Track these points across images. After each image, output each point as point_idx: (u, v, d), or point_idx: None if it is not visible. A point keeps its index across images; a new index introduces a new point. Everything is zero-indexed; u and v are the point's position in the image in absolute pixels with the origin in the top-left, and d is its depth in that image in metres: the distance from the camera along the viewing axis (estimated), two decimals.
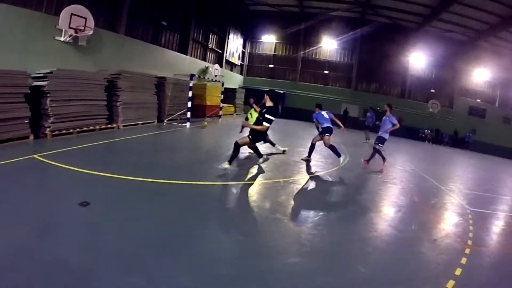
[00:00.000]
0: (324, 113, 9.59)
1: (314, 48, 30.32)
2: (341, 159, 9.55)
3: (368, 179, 9.01)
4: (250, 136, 7.30)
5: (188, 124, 14.51)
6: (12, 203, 4.30)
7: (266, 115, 7.05)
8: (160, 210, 4.80)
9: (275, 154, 10.03)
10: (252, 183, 6.85)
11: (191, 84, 14.94)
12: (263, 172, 7.87)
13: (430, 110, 27.83)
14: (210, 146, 11.37)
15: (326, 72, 30.35)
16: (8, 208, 4.11)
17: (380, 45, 28.67)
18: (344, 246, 4.30)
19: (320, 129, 9.50)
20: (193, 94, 15.38)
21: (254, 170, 7.96)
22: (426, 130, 27.77)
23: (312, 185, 7.52)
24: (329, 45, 29.90)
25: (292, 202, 5.97)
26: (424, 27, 26.63)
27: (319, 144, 9.77)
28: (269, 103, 7.30)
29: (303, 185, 7.26)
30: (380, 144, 10.02)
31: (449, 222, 6.15)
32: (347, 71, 30.14)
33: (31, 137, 8.48)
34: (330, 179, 8.30)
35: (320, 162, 10.04)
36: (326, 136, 9.34)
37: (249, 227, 4.63)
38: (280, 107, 23.19)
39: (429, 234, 5.17)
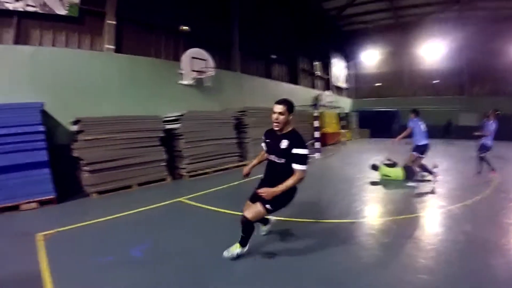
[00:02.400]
0: (421, 123, 7.64)
1: (418, 58, 26.97)
2: (414, 184, 7.52)
3: None
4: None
5: (317, 155, 13.35)
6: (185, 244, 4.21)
7: None
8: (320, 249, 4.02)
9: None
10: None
11: (315, 114, 14.10)
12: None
13: None
14: (351, 175, 9.70)
15: (435, 81, 26.39)
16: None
17: (488, 41, 23.70)
18: None
19: (414, 145, 7.67)
20: (313, 123, 14.49)
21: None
22: None
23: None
24: (432, 52, 26.17)
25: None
26: None
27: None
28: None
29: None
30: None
31: None
32: (458, 76, 25.39)
33: (169, 179, 8.77)
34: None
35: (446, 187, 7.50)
36: (416, 155, 7.55)
37: None
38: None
39: None
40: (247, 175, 3.93)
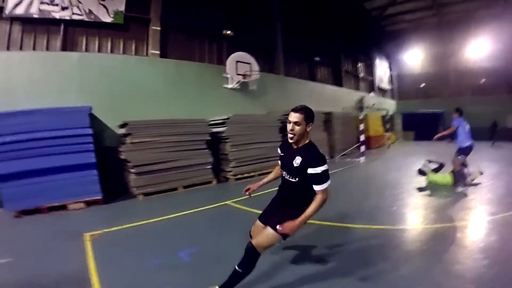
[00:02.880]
0: (465, 123, 6.99)
1: (463, 56, 25.14)
2: (464, 189, 6.90)
3: None
4: None
5: (362, 159, 12.75)
6: None
7: None
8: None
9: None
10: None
11: (361, 117, 13.55)
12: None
13: None
14: (396, 180, 8.94)
15: (482, 80, 24.44)
16: None
17: None
18: None
19: (458, 147, 7.11)
20: (358, 126, 14.01)
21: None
22: None
23: None
24: (478, 51, 24.21)
25: None
26: None
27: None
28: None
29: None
30: None
31: None
32: (505, 75, 23.26)
33: (214, 181, 8.82)
34: None
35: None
36: (462, 159, 7.03)
37: None
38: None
39: None
40: (248, 190, 3.24)
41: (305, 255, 3.82)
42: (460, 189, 6.93)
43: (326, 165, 2.64)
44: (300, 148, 2.74)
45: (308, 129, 2.71)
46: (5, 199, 6.36)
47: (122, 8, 9.65)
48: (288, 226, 2.54)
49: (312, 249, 3.98)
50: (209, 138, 8.79)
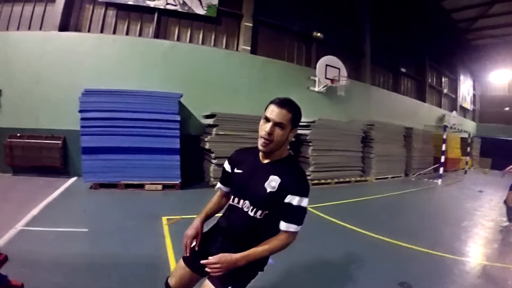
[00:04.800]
0: None
1: None
2: None
3: None
4: None
5: (440, 181, 11.76)
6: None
7: None
8: None
9: None
10: None
11: (444, 136, 12.59)
12: None
13: None
14: (470, 208, 7.91)
15: None
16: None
17: None
18: None
19: None
20: (435, 146, 13.73)
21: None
22: None
23: None
24: None
25: None
26: None
27: None
28: None
29: None
30: None
31: None
32: None
33: None
34: None
35: None
36: None
37: None
38: None
39: None
40: (188, 246, 1.83)
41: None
42: (505, 224, 6.05)
43: (307, 199, 1.68)
44: (275, 164, 1.74)
45: (290, 137, 1.73)
46: (84, 171, 6.74)
47: (215, 2, 9.84)
48: (225, 260, 1.57)
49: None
50: (293, 139, 8.53)
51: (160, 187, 6.99)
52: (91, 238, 4.05)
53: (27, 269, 2.84)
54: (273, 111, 1.62)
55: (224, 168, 2.02)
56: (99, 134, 6.77)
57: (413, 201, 8.41)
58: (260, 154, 1.78)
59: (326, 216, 5.84)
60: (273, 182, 1.66)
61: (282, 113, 1.62)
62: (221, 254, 1.60)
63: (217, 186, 2.15)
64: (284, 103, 1.65)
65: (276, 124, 1.61)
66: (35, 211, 4.94)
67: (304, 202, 1.65)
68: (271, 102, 1.67)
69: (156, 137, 7.08)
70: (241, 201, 1.78)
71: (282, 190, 1.64)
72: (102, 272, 3.11)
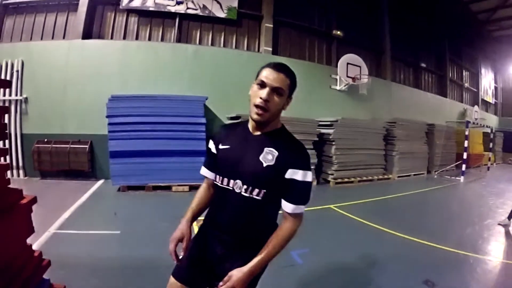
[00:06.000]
0: None
1: None
2: None
3: None
4: None
5: (462, 178, 11.65)
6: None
7: None
8: None
9: None
10: None
11: (467, 132, 12.38)
12: None
13: None
14: (493, 206, 7.82)
15: None
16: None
17: None
18: None
19: None
20: (457, 142, 13.55)
21: None
22: None
23: None
24: None
25: None
26: None
27: None
28: None
29: None
30: None
31: None
32: None
33: (314, 182, 8.86)
34: None
35: None
36: None
37: None
38: None
39: None
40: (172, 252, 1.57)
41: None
42: (503, 223, 5.91)
43: (311, 175, 1.50)
44: (269, 135, 1.52)
45: (285, 107, 1.53)
46: (112, 174, 7.02)
47: (235, 4, 10.03)
48: (239, 278, 1.33)
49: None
50: (317, 139, 8.73)
51: (187, 188, 7.20)
52: (124, 240, 4.13)
53: (65, 271, 2.90)
54: (269, 75, 1.43)
55: (208, 149, 1.70)
56: (126, 138, 7.05)
57: (436, 199, 8.39)
58: (250, 125, 1.56)
59: (351, 216, 5.95)
60: (269, 155, 1.44)
61: (280, 77, 1.44)
62: (233, 276, 1.34)
63: (201, 172, 1.76)
64: (282, 67, 1.48)
65: (273, 90, 1.42)
66: (66, 214, 5.07)
67: (309, 176, 1.45)
68: (265, 66, 1.49)
69: (183, 140, 7.32)
70: (231, 181, 1.50)
71: (281, 164, 1.42)
72: (137, 274, 3.19)
